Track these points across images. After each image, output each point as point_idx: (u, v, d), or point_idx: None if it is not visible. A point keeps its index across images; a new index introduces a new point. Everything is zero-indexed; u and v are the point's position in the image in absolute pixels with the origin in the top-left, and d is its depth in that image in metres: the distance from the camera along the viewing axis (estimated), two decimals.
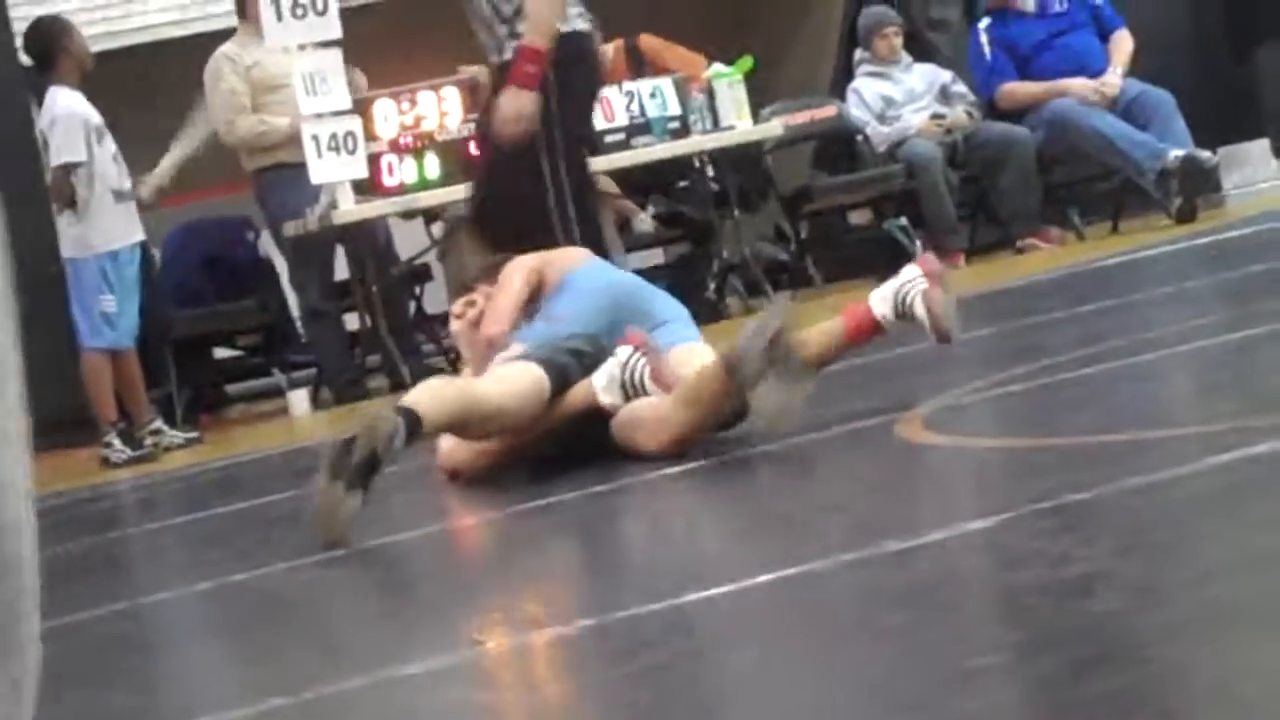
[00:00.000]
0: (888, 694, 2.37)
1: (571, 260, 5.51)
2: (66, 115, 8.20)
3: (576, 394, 4.91)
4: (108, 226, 8.28)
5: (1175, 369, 4.87)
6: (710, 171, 10.20)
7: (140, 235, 8.53)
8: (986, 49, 10.34)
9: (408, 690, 2.93)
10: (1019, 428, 4.33)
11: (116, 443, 8.24)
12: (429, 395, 4.63)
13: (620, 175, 10.10)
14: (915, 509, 3.61)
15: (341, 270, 9.67)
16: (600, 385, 4.84)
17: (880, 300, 4.87)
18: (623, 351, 4.84)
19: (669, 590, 3.24)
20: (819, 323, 4.95)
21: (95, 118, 8.30)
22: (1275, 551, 2.64)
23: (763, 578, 3.14)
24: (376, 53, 9.88)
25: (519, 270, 5.38)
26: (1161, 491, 3.19)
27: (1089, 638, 2.40)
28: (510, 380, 4.86)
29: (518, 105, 6.35)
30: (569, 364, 4.94)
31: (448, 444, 5.23)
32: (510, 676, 2.94)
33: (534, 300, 5.35)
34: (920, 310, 4.80)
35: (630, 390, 4.80)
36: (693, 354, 4.91)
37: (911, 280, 4.84)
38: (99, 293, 8.23)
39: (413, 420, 4.46)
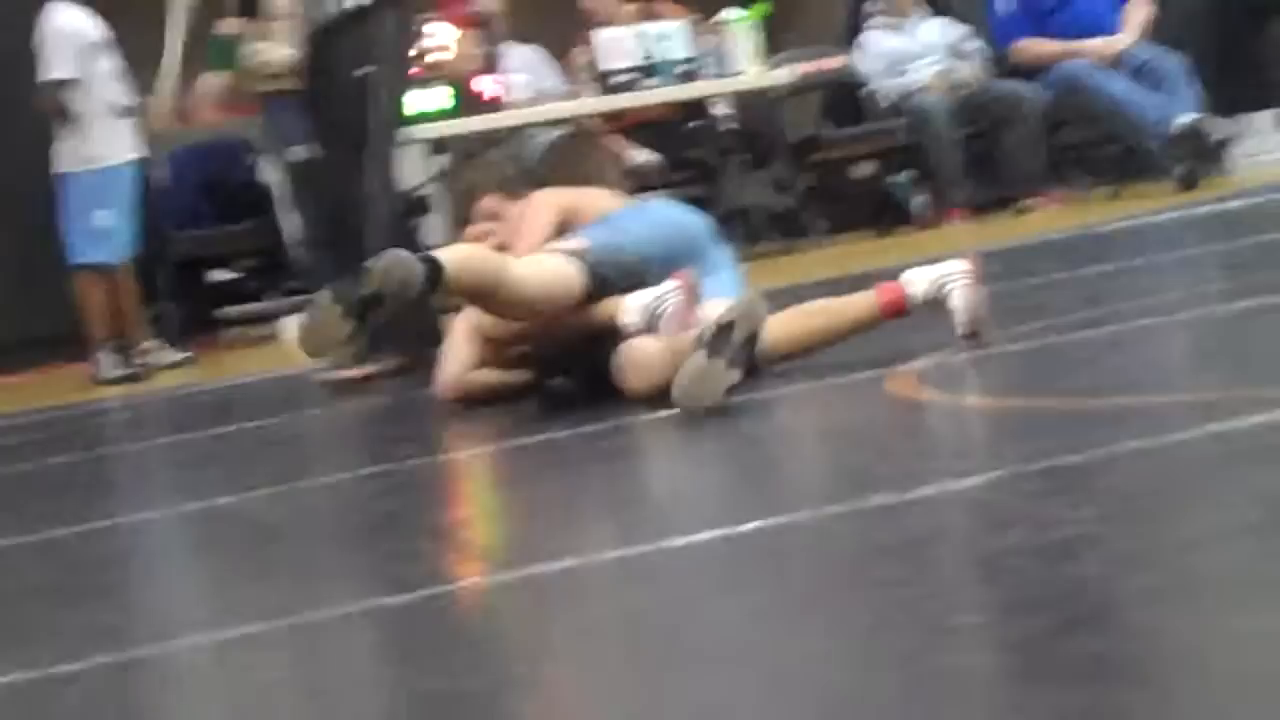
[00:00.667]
0: (870, 647, 2.36)
1: (608, 201, 5.43)
2: (55, 32, 8.17)
3: (605, 308, 4.87)
4: (104, 142, 8.25)
5: (1172, 336, 4.85)
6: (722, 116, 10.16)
7: (141, 152, 8.50)
8: (1006, 1, 10.29)
9: (387, 622, 2.92)
10: (1013, 388, 4.32)
11: (107, 360, 8.22)
12: (461, 255, 4.66)
13: (629, 116, 10.07)
14: (904, 464, 3.60)
15: None
16: (630, 304, 4.82)
17: (919, 278, 4.81)
18: (668, 284, 4.83)
19: (653, 534, 3.23)
20: (851, 295, 4.91)
21: (93, 34, 8.26)
22: (1259, 523, 2.64)
23: (748, 525, 3.13)
24: None
25: (546, 210, 5.30)
26: (1153, 458, 3.18)
27: (1071, 600, 2.39)
28: (547, 269, 4.82)
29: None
30: (610, 278, 4.89)
31: (452, 368, 5.21)
32: (489, 614, 2.93)
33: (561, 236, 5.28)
34: (958, 302, 4.75)
35: (650, 319, 4.80)
36: None
37: (955, 272, 4.80)
38: (94, 207, 8.20)
39: (435, 271, 4.48)
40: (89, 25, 8.26)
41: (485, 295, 4.74)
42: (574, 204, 5.34)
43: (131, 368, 8.26)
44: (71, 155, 8.25)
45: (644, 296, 4.82)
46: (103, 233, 8.22)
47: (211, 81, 9.69)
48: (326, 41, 6.62)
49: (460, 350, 5.22)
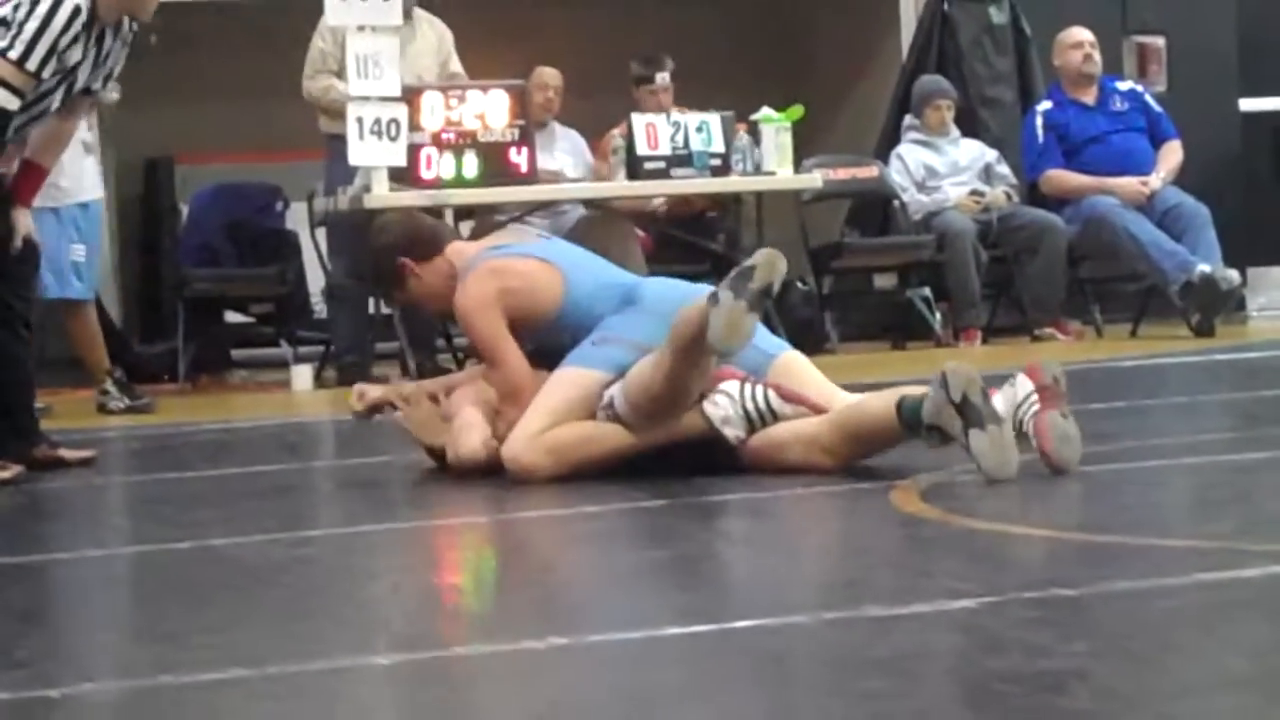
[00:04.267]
0: None
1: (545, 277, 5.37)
2: None
3: (691, 421, 4.91)
4: (78, 177, 8.26)
5: (1176, 479, 4.86)
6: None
7: (102, 191, 8.54)
8: (1040, 132, 10.36)
9: (369, 682, 2.92)
10: (1014, 514, 4.32)
11: (113, 390, 8.22)
12: None
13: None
14: (901, 579, 3.60)
15: None
16: (718, 418, 4.89)
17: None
18: (730, 386, 4.89)
19: (645, 622, 3.24)
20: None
21: None
22: (1247, 676, 2.65)
23: (742, 623, 3.13)
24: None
25: (485, 309, 5.22)
26: (1148, 600, 3.18)
27: None
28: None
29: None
30: None
31: (477, 438, 5.19)
32: (468, 682, 2.93)
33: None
34: (1033, 436, 4.70)
35: (758, 419, 4.88)
36: (791, 368, 5.02)
37: (1027, 398, 4.80)
38: (70, 241, 8.21)
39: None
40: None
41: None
42: (505, 287, 5.24)
43: (138, 399, 8.24)
44: (48, 191, 8.18)
45: (725, 407, 4.88)
46: (78, 267, 8.23)
47: None
48: None
49: (478, 422, 5.25)
